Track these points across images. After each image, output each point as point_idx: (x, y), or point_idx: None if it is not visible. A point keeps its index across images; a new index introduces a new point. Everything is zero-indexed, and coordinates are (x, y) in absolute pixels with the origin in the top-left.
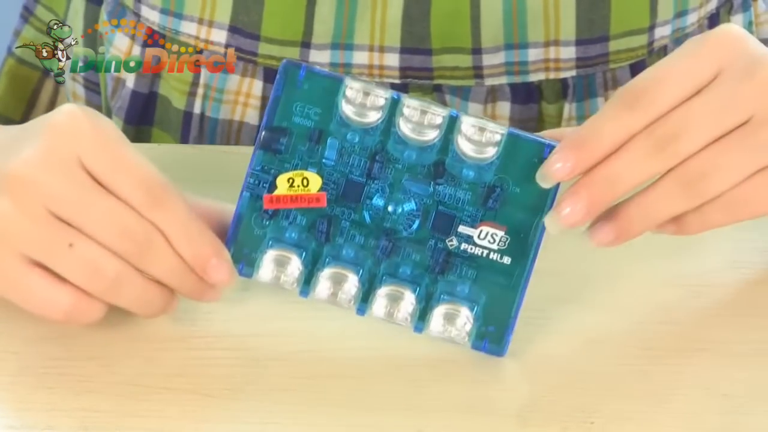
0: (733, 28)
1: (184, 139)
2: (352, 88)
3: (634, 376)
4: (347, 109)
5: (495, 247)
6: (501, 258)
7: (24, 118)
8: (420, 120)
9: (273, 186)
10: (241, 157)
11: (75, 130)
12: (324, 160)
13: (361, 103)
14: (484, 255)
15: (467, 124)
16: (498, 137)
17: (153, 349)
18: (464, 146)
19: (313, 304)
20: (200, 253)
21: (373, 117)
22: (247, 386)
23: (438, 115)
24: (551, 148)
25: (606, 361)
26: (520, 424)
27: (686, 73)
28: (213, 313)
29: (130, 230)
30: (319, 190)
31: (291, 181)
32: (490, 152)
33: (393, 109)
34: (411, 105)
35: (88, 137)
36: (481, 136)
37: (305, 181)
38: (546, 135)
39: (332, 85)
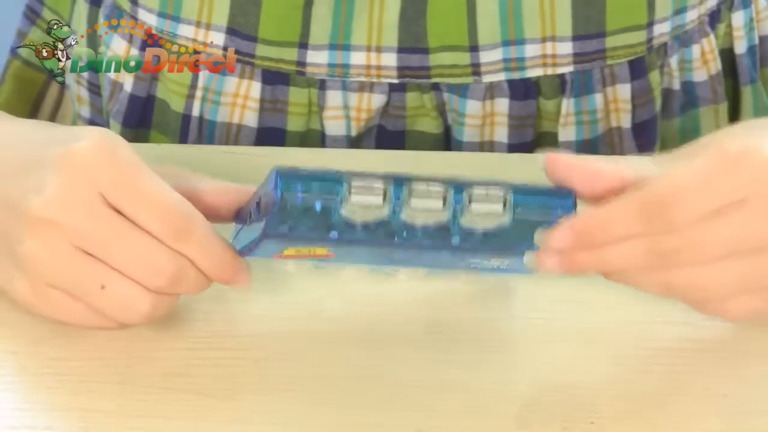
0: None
1: (182, 142)
2: (352, 195)
3: (634, 376)
4: (349, 214)
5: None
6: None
7: None
8: (426, 208)
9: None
10: (241, 157)
11: (92, 165)
12: (332, 245)
13: (362, 207)
14: (496, 267)
15: (474, 208)
16: (506, 217)
17: (153, 349)
18: (474, 223)
19: (313, 305)
20: (225, 275)
21: (376, 215)
22: (247, 386)
23: (440, 205)
24: (557, 215)
25: (606, 361)
26: (520, 424)
27: (711, 199)
28: (213, 313)
29: (159, 267)
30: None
31: (298, 250)
32: (500, 222)
33: (396, 203)
34: (414, 204)
35: (106, 172)
36: (488, 210)
37: (312, 251)
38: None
39: (331, 186)
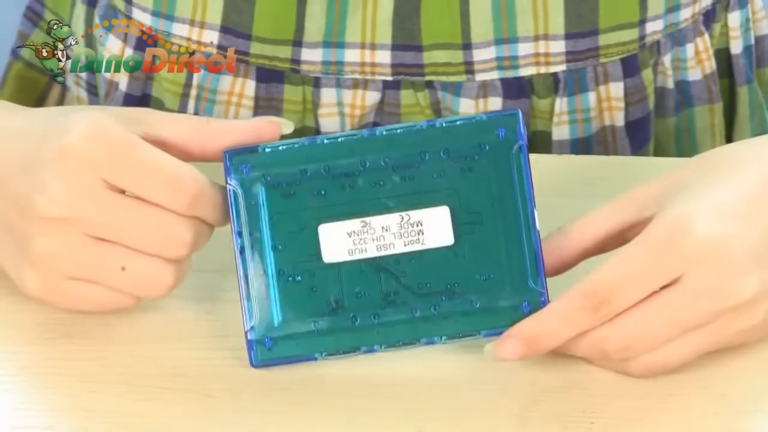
0: (720, 243)
1: None
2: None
3: None
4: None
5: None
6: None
7: None
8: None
9: None
10: None
11: (87, 155)
12: None
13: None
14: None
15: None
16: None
17: (153, 349)
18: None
19: None
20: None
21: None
22: (247, 386)
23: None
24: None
25: None
26: (520, 424)
27: (647, 285)
28: (213, 313)
29: (179, 238)
30: None
31: None
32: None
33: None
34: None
35: (103, 158)
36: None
37: None
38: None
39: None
